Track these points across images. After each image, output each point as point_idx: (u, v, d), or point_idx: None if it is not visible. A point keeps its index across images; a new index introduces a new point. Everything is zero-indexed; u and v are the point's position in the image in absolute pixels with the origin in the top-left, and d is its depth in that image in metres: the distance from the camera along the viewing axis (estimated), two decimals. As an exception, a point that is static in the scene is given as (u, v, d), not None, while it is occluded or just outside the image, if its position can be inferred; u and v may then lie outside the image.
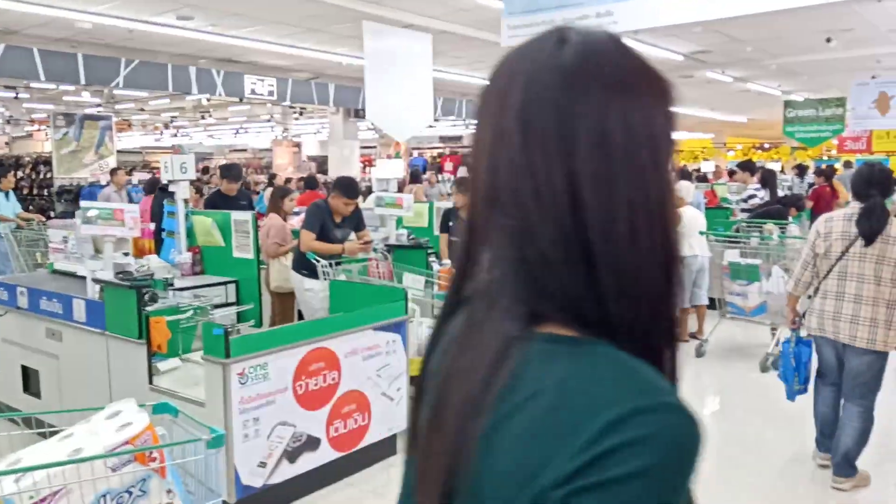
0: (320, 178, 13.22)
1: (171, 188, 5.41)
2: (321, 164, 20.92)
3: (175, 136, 25.42)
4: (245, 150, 28.34)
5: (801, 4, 4.87)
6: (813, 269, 3.92)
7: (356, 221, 5.53)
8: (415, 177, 13.78)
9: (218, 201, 6.45)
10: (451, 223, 6.36)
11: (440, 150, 23.14)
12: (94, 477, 2.14)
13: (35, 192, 14.09)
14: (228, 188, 6.65)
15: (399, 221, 6.27)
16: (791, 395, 4.25)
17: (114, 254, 4.43)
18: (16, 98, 16.09)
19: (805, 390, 4.22)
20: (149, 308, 3.96)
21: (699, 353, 6.61)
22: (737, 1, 4.87)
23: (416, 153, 22.70)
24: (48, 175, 13.89)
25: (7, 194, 8.96)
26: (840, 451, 3.89)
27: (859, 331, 3.73)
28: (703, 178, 13.59)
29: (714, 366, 6.42)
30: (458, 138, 24.08)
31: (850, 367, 3.84)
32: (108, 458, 2.16)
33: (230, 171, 6.82)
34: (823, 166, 13.54)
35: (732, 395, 5.78)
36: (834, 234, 3.80)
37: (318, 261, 5.08)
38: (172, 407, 2.56)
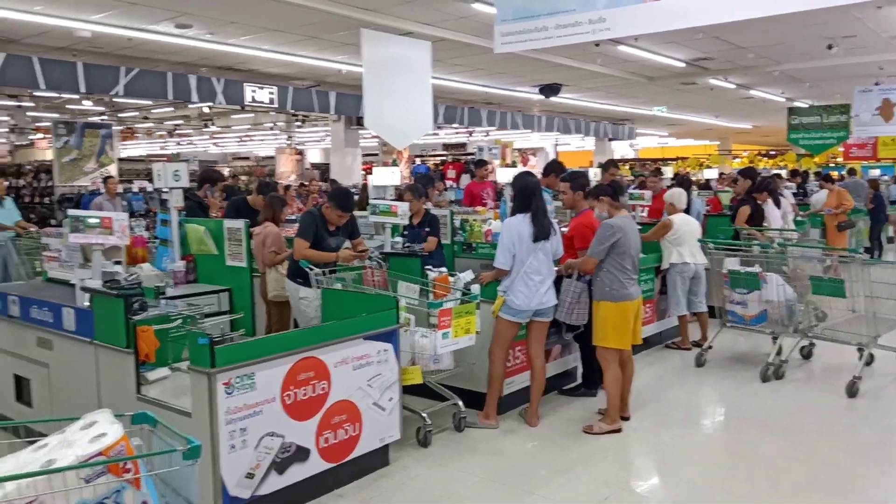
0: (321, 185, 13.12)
1: (164, 196, 5.39)
2: (324, 172, 20.93)
3: (179, 144, 25.49)
4: (248, 159, 28.39)
5: (795, 9, 4.82)
6: None
7: (351, 229, 5.49)
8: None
9: (242, 210, 6.35)
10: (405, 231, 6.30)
11: (443, 158, 23.10)
12: (66, 488, 2.10)
13: (36, 200, 14.13)
14: (255, 201, 6.49)
15: (395, 229, 6.22)
16: None
17: (105, 262, 4.40)
18: (19, 107, 16.20)
19: None
20: (137, 317, 3.92)
21: (699, 363, 6.54)
22: (729, 7, 4.80)
23: (418, 161, 22.66)
24: (49, 183, 13.94)
25: (2, 202, 8.90)
26: None
27: None
28: (705, 186, 13.52)
29: (715, 375, 6.35)
30: (462, 146, 24.02)
31: None
32: (81, 468, 2.13)
33: (267, 189, 6.60)
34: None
35: (732, 405, 5.70)
36: None
37: (311, 269, 5.04)
38: (151, 417, 2.52)
